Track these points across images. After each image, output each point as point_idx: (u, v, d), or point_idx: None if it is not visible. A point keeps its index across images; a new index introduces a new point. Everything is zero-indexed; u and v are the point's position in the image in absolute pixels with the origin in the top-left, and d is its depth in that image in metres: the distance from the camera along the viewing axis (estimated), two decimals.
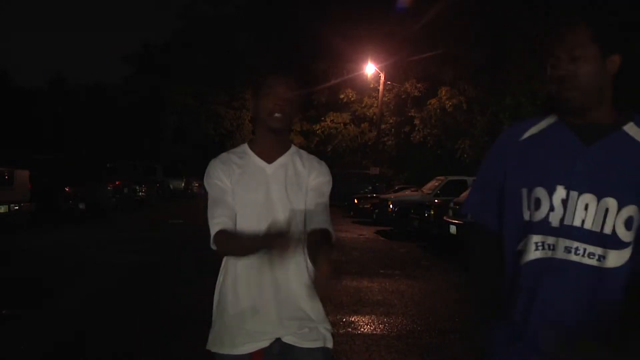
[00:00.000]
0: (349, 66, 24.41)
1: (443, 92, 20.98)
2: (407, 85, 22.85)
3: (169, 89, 32.51)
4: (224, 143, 33.94)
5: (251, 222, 1.74)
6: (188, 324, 4.64)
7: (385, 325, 4.80)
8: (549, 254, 1.36)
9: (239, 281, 1.75)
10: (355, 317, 5.15)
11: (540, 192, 1.38)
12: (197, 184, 27.16)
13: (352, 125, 28.55)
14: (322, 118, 28.78)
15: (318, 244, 1.60)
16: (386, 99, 23.87)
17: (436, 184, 13.88)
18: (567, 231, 1.34)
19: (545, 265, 1.36)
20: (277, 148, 1.85)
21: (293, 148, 1.91)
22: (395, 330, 4.75)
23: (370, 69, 22.47)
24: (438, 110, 21.37)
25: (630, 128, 1.37)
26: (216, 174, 1.81)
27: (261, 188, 1.78)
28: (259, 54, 31.57)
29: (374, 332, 4.69)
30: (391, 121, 24.93)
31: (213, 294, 1.82)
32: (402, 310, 5.45)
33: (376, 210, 15.01)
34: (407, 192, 15.09)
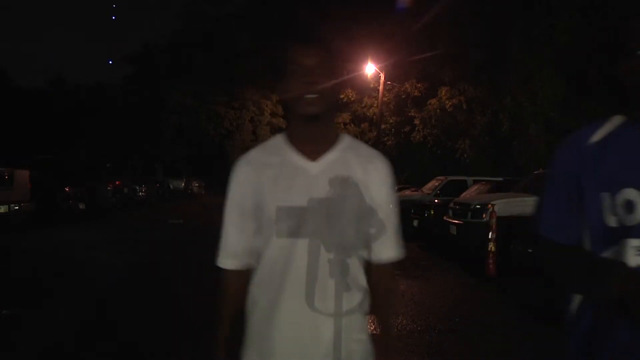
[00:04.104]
0: (349, 66, 24.40)
1: (443, 92, 20.96)
2: (407, 85, 22.83)
3: (169, 89, 32.57)
4: (224, 143, 34.02)
5: (283, 247, 1.32)
6: (194, 325, 4.62)
7: None
8: None
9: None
10: None
11: (631, 193, 1.26)
12: (197, 184, 27.17)
13: (352, 125, 28.56)
14: None
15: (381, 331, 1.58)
16: (386, 99, 23.85)
17: (436, 184, 13.89)
18: None
19: None
20: (321, 141, 1.38)
21: (346, 140, 1.43)
22: (395, 330, 4.74)
23: (370, 69, 22.44)
24: (438, 110, 21.35)
25: None
26: (237, 179, 1.40)
27: (301, 196, 1.31)
28: (259, 54, 31.54)
29: (374, 332, 4.67)
30: (391, 121, 24.92)
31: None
32: (402, 310, 5.44)
33: None
34: (407, 192, 15.07)
